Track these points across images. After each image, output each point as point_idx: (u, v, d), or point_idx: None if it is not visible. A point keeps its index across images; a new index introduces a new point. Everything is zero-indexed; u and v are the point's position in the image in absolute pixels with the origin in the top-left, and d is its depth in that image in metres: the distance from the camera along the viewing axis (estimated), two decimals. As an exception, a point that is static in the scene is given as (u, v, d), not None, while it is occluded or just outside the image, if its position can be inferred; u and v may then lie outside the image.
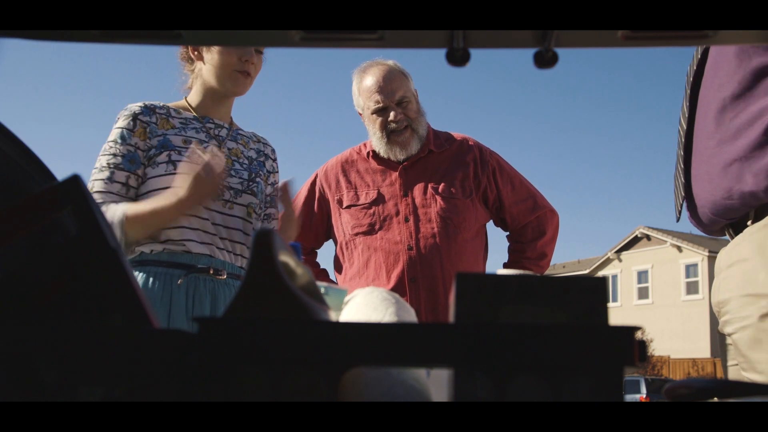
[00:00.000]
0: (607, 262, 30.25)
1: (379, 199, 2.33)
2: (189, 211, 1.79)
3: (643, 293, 28.80)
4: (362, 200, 2.34)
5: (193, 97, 2.02)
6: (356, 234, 2.32)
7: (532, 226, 2.40)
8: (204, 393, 0.56)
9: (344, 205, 2.36)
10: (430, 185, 2.31)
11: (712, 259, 26.27)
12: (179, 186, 1.74)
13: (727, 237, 1.62)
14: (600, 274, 28.34)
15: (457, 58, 0.70)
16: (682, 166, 1.68)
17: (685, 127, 1.69)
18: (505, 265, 2.41)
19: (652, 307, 28.12)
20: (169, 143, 1.88)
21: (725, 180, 1.50)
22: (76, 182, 0.66)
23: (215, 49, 1.95)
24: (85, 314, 0.63)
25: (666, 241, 28.02)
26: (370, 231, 2.30)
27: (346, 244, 2.35)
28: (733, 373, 1.58)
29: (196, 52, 2.00)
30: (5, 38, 0.72)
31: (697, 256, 26.88)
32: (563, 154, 53.53)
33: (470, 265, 2.29)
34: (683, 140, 1.69)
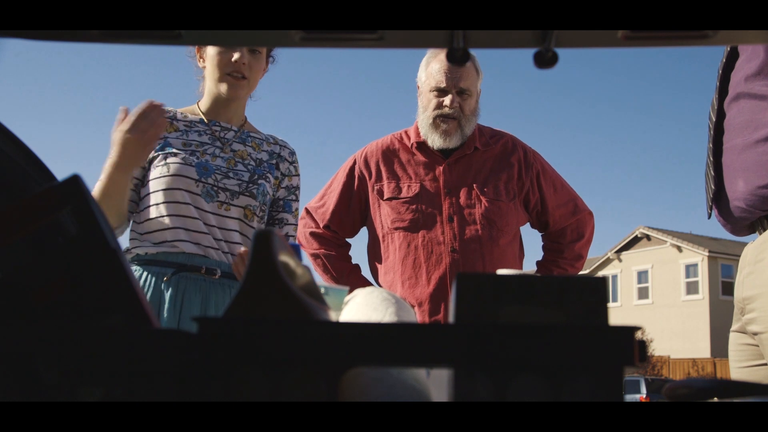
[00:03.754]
0: (607, 262, 30.24)
1: (422, 194, 2.25)
2: (132, 164, 1.72)
3: (643, 293, 28.78)
4: (404, 194, 2.26)
5: (204, 102, 2.04)
6: (396, 228, 2.24)
7: (572, 228, 2.38)
8: (204, 393, 0.56)
9: (385, 196, 2.28)
10: (474, 185, 2.25)
11: (712, 259, 26.27)
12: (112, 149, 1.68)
13: (756, 234, 1.60)
14: (600, 274, 28.33)
15: (457, 58, 0.70)
16: (712, 159, 1.67)
17: (714, 119, 1.67)
18: (539, 263, 2.40)
19: (652, 307, 28.11)
20: (168, 146, 1.90)
21: (763, 168, 1.49)
22: (76, 182, 0.66)
23: (209, 54, 1.96)
24: (85, 314, 0.63)
25: (666, 241, 28.01)
26: (411, 227, 2.22)
27: (383, 237, 2.28)
28: (747, 375, 1.54)
29: (201, 59, 2.01)
30: (5, 38, 0.72)
31: (697, 256, 26.86)
32: (563, 154, 53.55)
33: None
34: (712, 133, 1.67)
